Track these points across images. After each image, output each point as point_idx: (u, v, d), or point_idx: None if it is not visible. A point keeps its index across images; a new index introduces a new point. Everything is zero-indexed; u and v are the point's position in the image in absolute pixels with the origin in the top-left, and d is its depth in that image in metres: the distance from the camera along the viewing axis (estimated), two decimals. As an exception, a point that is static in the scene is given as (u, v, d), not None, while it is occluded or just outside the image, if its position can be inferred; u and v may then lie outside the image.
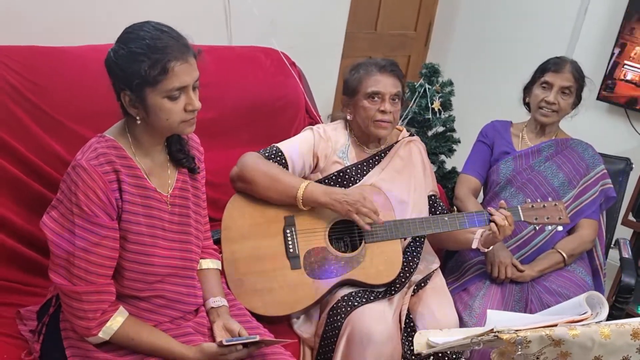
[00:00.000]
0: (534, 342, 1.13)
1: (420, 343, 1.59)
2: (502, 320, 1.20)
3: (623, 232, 2.73)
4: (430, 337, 1.36)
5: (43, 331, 1.42)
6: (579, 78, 2.11)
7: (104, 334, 1.32)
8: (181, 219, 1.48)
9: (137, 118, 1.33)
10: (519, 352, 1.12)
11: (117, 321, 1.34)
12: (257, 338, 1.39)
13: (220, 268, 1.66)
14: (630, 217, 2.82)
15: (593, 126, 3.04)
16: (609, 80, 3.11)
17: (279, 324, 1.75)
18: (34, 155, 1.68)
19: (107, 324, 1.32)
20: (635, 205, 2.81)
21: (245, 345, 1.40)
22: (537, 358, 1.16)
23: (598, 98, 3.19)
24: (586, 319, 1.24)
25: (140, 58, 1.24)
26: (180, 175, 1.50)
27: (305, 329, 1.78)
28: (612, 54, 3.08)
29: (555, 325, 1.18)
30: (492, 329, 1.14)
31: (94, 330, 1.31)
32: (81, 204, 1.26)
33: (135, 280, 1.38)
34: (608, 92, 3.14)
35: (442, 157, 2.68)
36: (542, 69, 2.13)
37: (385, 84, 1.86)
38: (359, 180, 1.87)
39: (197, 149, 1.57)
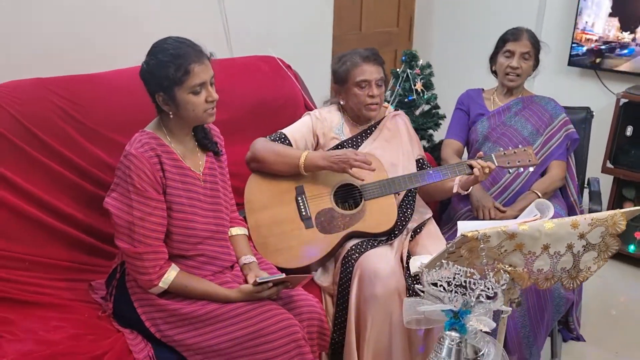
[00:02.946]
0: (493, 237, 1.46)
1: (414, 265, 1.94)
2: (469, 226, 1.53)
3: (604, 180, 3.04)
4: (422, 260, 1.69)
5: (113, 293, 1.79)
6: (535, 43, 2.44)
7: (163, 283, 1.68)
8: (213, 192, 1.83)
9: (170, 113, 1.70)
10: (482, 246, 1.45)
11: (172, 274, 1.69)
12: (283, 276, 1.73)
13: (247, 234, 2.01)
14: (609, 165, 3.14)
15: (569, 89, 3.37)
16: (574, 44, 3.43)
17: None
18: (83, 161, 2.03)
19: (165, 276, 1.68)
20: (611, 153, 3.12)
21: (274, 284, 1.75)
22: (499, 250, 1.49)
23: (569, 64, 3.53)
24: (536, 219, 1.56)
25: (167, 64, 1.61)
26: (208, 158, 1.86)
27: (324, 279, 2.12)
28: (576, 22, 3.41)
29: (511, 226, 1.50)
30: (462, 234, 1.47)
31: (155, 282, 1.67)
32: (135, 182, 1.63)
33: (181, 242, 1.74)
34: (576, 57, 3.46)
35: (430, 131, 3.02)
36: (503, 40, 2.46)
37: (371, 71, 2.20)
38: (355, 152, 2.22)
39: (218, 137, 1.93)
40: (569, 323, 2.57)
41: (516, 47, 2.40)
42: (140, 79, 1.69)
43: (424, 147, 2.96)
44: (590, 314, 2.82)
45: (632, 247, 3.22)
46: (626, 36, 3.24)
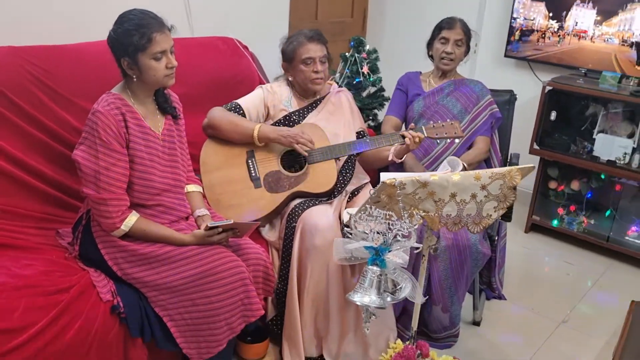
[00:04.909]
0: (408, 185, 1.73)
1: (346, 217, 2.20)
2: (390, 176, 1.79)
3: (531, 160, 3.37)
4: (352, 212, 1.95)
5: (79, 237, 2.00)
6: (467, 31, 2.73)
7: (125, 226, 1.90)
8: (170, 151, 2.06)
9: (134, 77, 1.92)
10: (399, 192, 1.72)
11: (133, 219, 1.92)
12: (232, 221, 1.98)
13: (202, 191, 2.25)
14: (535, 146, 3.47)
15: (504, 79, 3.69)
16: (511, 38, 3.76)
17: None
18: (54, 124, 2.23)
19: (126, 220, 1.91)
20: (538, 136, 3.45)
21: (224, 230, 1.99)
22: (414, 197, 1.76)
23: (505, 56, 3.86)
24: (447, 173, 1.84)
25: (132, 32, 1.83)
26: (167, 120, 2.08)
27: (271, 234, 2.37)
28: (512, 18, 3.74)
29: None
30: (382, 181, 1.73)
31: (118, 225, 1.89)
32: (101, 136, 1.85)
33: (141, 192, 1.96)
34: (512, 51, 3.79)
35: (375, 111, 3.30)
36: (439, 27, 2.75)
37: (315, 50, 2.46)
38: (301, 122, 2.47)
39: (177, 103, 2.16)
40: (492, 283, 2.89)
41: (450, 35, 2.68)
42: (108, 46, 1.90)
43: (369, 125, 3.24)
44: (512, 278, 3.15)
45: (555, 222, 3.57)
46: (554, 24, 3.58)
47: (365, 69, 3.18)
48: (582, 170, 3.45)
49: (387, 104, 3.31)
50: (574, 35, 3.51)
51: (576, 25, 3.48)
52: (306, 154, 2.32)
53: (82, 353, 1.78)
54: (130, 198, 1.95)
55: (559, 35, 3.57)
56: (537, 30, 3.64)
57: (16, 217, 2.10)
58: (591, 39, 3.44)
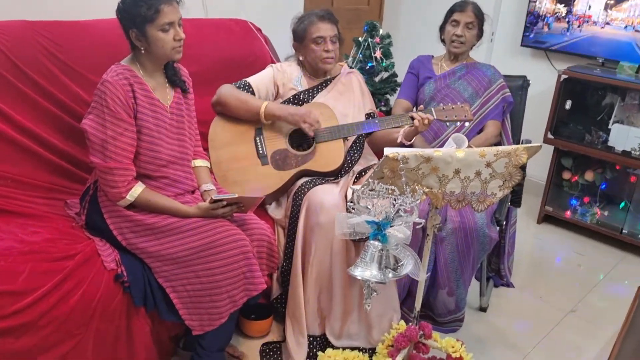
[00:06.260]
0: (411, 159, 1.72)
1: (350, 193, 2.19)
2: (394, 151, 1.78)
3: (545, 149, 3.32)
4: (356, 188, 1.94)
5: (86, 206, 2.03)
6: (479, 15, 2.70)
7: (130, 196, 1.92)
8: (178, 124, 2.08)
9: (142, 49, 1.93)
10: (401, 166, 1.72)
11: (138, 189, 1.94)
12: (237, 196, 1.99)
13: (209, 166, 2.26)
14: (550, 136, 3.43)
15: (521, 68, 3.65)
16: (529, 25, 3.71)
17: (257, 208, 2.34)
18: (65, 97, 2.26)
19: (132, 190, 1.92)
20: (552, 126, 3.41)
21: (229, 204, 2.00)
22: (417, 172, 1.75)
23: (522, 44, 3.81)
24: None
25: (140, 3, 1.84)
26: (176, 94, 2.09)
27: (277, 212, 2.38)
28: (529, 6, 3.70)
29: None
30: (385, 155, 1.73)
31: (124, 194, 1.91)
32: (109, 105, 1.86)
33: (147, 163, 1.98)
34: (528, 40, 3.75)
35: (387, 96, 3.28)
36: (451, 11, 2.73)
37: (326, 29, 2.46)
38: (310, 101, 2.47)
39: (187, 77, 2.17)
40: (500, 271, 2.86)
41: (461, 17, 2.66)
42: (117, 17, 1.92)
43: (380, 110, 3.23)
44: (522, 267, 3.12)
45: (568, 213, 3.52)
46: (561, 8, 3.52)
47: (378, 54, 3.17)
48: (596, 160, 3.41)
49: (399, 89, 3.30)
50: (584, 22, 3.45)
51: (589, 9, 3.42)
52: (312, 134, 2.32)
53: (85, 319, 1.80)
54: (136, 169, 1.96)
55: (567, 21, 3.51)
56: (543, 15, 3.59)
57: (26, 186, 2.13)
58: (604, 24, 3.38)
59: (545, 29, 3.60)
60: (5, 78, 2.13)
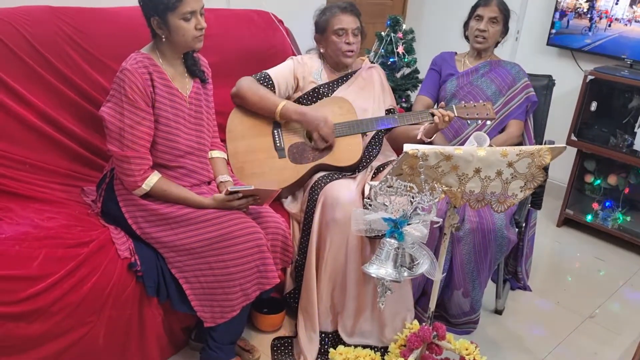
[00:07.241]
0: (431, 156, 1.68)
1: (367, 190, 2.16)
2: (413, 147, 1.74)
3: (568, 151, 3.26)
4: (372, 183, 1.92)
5: (102, 194, 2.02)
6: (504, 10, 2.64)
7: (146, 185, 1.91)
8: (197, 114, 2.06)
9: (163, 37, 1.92)
10: (421, 162, 1.68)
11: (154, 178, 1.93)
12: (253, 187, 1.97)
13: (226, 158, 2.25)
14: (573, 137, 3.36)
15: (547, 67, 3.58)
16: (556, 22, 3.63)
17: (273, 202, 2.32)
18: (84, 84, 2.26)
19: (148, 179, 1.91)
20: (576, 127, 3.34)
21: (244, 196, 1.98)
22: (437, 170, 1.71)
23: (548, 44, 3.74)
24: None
25: (163, -9, 1.83)
26: (195, 84, 2.08)
27: (292, 206, 2.36)
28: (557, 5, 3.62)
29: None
30: (405, 151, 1.69)
31: (140, 183, 1.90)
32: (128, 94, 1.85)
33: (164, 152, 1.97)
34: (554, 40, 3.67)
35: (408, 92, 3.24)
36: (475, 6, 2.68)
37: (348, 21, 2.42)
38: (330, 95, 2.44)
39: (206, 67, 2.15)
40: (517, 273, 2.81)
41: (485, 12, 2.61)
42: (139, 4, 1.91)
43: (401, 106, 3.19)
44: (540, 271, 3.06)
45: (589, 217, 3.46)
46: (582, 3, 3.44)
47: (400, 49, 3.13)
48: (620, 164, 3.33)
49: (420, 85, 3.26)
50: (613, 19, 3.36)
51: (617, 3, 3.31)
52: (321, 147, 2.30)
53: (98, 306, 1.80)
54: (153, 158, 1.95)
55: (590, 18, 3.42)
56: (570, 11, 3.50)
57: (44, 172, 2.14)
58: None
59: (569, 24, 3.51)
60: (26, 63, 2.14)
